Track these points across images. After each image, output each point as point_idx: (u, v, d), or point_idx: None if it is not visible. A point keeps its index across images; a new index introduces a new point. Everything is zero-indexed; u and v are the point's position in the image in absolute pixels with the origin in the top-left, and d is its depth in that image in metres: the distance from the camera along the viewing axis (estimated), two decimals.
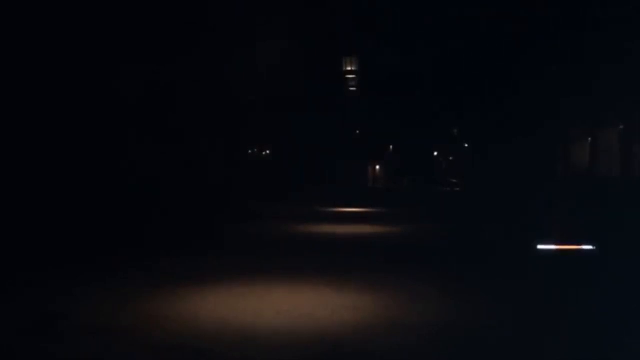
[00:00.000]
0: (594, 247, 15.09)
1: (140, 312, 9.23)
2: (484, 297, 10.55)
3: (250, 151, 45.66)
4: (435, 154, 62.33)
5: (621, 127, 24.10)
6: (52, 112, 18.61)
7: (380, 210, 30.38)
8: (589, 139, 26.01)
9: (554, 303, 10.15)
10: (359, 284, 11.44)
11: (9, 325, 8.57)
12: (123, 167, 21.35)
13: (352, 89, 59.93)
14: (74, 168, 19.24)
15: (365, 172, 59.03)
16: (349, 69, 61.11)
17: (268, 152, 48.53)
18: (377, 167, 62.21)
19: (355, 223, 23.67)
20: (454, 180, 52.12)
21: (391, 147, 62.62)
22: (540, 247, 15.46)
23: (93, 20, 19.69)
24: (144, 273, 12.52)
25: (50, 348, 7.58)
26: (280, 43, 33.49)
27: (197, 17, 25.22)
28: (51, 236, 15.78)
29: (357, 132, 58.43)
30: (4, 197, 16.47)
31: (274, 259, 14.56)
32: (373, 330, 8.39)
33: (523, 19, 26.86)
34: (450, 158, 60.11)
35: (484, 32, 29.30)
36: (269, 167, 43.31)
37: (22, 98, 17.85)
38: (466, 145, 44.79)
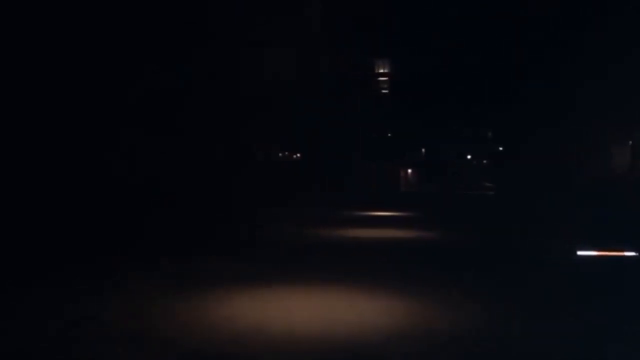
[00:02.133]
0: (638, 253, 14.42)
1: (155, 315, 8.94)
2: (517, 305, 10.03)
3: (280, 154, 45.27)
4: (469, 157, 61.60)
5: None
6: (53, 113, 18.49)
7: (412, 214, 29.84)
8: (630, 142, 25.29)
9: (595, 311, 9.60)
10: (389, 288, 11.01)
11: (9, 325, 8.32)
12: (125, 167, 21.14)
13: (383, 91, 59.56)
14: (76, 168, 19.08)
15: (397, 174, 58.36)
16: (380, 71, 60.80)
17: (299, 155, 48.12)
18: (409, 170, 61.54)
19: (384, 226, 23.21)
20: (488, 184, 51.36)
21: (423, 150, 61.97)
22: (580, 253, 14.86)
23: (94, 21, 19.57)
24: (149, 274, 12.24)
25: (58, 352, 7.32)
26: (299, 44, 33.22)
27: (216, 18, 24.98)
28: (52, 236, 15.55)
29: (389, 135, 57.94)
30: (5, 197, 16.31)
31: (288, 264, 14.19)
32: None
33: (560, 20, 26.24)
34: (484, 161, 59.34)
35: (524, 33, 28.71)
36: (294, 169, 42.76)
37: (25, 99, 17.75)
38: (500, 149, 44.07)
